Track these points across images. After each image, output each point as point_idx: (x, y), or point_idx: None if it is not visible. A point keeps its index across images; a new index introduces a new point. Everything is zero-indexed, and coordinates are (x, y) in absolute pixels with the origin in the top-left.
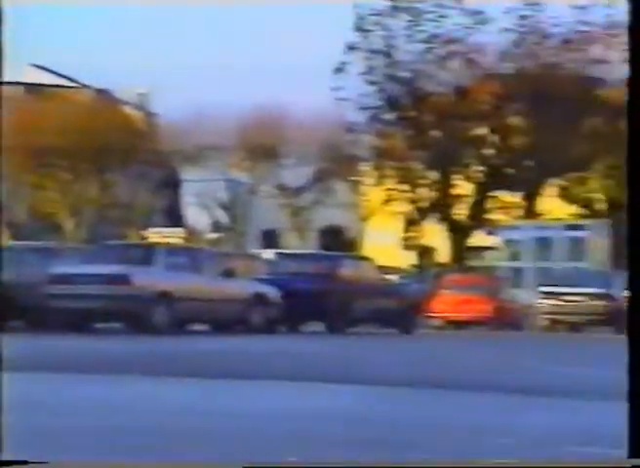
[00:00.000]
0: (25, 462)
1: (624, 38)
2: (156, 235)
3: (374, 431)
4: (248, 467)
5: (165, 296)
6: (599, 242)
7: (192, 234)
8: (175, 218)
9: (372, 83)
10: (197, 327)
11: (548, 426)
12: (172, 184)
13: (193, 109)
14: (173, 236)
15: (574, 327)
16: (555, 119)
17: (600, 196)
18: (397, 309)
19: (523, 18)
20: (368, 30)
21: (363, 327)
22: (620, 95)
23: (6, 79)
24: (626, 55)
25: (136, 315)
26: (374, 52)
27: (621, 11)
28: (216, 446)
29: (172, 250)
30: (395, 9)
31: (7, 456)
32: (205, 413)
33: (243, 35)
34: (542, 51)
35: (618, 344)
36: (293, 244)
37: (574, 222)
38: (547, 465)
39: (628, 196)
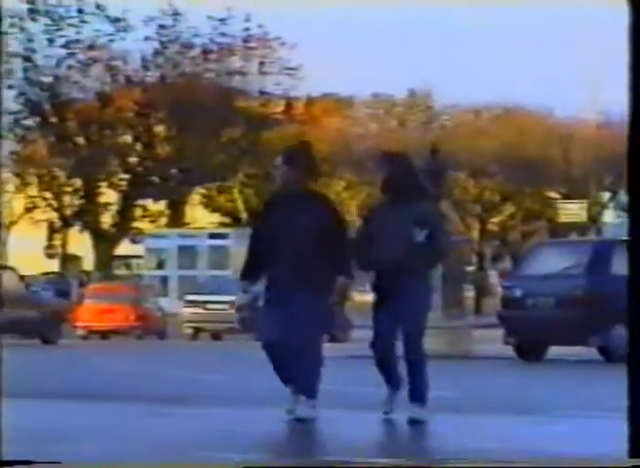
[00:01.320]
0: (31, 462)
1: (261, 51)
2: None
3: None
4: (248, 467)
5: None
6: (241, 250)
7: None
8: None
9: (11, 87)
10: None
11: (183, 434)
12: None
13: None
14: None
15: (215, 334)
16: (197, 128)
17: (240, 205)
18: (39, 319)
19: (163, 27)
20: (4, 33)
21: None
22: (256, 106)
23: None
24: (262, 67)
25: None
26: (11, 55)
27: (257, 24)
28: None
29: None
30: (34, 12)
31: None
32: None
33: None
34: (184, 60)
35: (250, 350)
36: None
37: (216, 231)
38: (547, 465)
39: (629, 197)
